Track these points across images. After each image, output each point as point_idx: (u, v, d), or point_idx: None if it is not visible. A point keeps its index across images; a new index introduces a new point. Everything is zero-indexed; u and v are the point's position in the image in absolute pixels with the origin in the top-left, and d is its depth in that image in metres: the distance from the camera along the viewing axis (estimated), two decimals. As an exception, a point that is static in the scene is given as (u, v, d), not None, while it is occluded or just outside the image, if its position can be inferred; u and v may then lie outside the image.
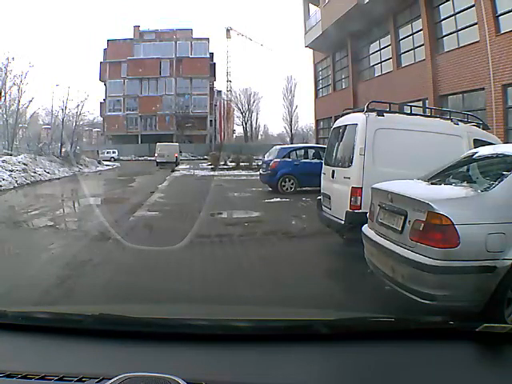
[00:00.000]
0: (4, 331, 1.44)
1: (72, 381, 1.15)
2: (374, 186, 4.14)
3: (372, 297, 3.71)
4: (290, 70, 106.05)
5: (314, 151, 14.14)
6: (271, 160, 13.89)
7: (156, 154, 31.92)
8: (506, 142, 10.39)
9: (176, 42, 56.77)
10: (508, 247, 2.90)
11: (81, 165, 26.32)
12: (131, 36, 57.46)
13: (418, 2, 16.22)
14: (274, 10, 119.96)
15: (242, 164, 27.03)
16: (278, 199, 11.83)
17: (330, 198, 6.27)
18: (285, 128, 61.60)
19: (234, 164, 28.01)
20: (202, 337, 1.37)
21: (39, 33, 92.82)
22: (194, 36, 57.91)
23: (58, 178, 20.45)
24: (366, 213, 4.26)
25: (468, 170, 4.01)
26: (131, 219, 8.79)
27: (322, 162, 7.02)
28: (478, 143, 5.51)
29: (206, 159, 37.07)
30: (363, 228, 4.17)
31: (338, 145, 6.48)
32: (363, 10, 17.84)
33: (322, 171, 6.73)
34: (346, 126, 6.25)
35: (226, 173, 23.57)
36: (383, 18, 18.48)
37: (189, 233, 5.94)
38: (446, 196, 3.31)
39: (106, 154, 41.15)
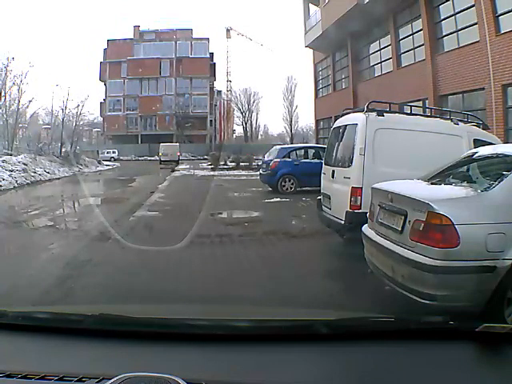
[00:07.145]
0: (4, 331, 1.43)
1: (72, 381, 1.15)
2: (374, 185, 4.14)
3: (372, 297, 3.71)
4: (290, 70, 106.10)
5: (314, 151, 14.14)
6: (271, 160, 13.89)
7: (160, 154, 35.14)
8: (506, 141, 10.38)
9: (176, 42, 56.74)
10: (508, 247, 2.90)
11: (81, 165, 26.33)
12: (131, 36, 57.44)
13: (418, 2, 16.21)
14: (274, 10, 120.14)
15: (241, 164, 27.03)
16: (278, 199, 11.83)
17: (329, 198, 6.27)
18: (285, 128, 61.74)
19: (233, 164, 28.01)
20: (202, 337, 1.36)
21: (39, 33, 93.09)
22: (194, 36, 57.87)
23: (58, 178, 20.45)
24: (366, 213, 4.26)
25: (468, 169, 4.00)
26: (131, 219, 8.79)
27: (322, 161, 7.03)
28: (478, 143, 5.50)
29: (205, 159, 37.22)
30: (363, 228, 4.17)
31: (338, 145, 6.48)
32: (363, 10, 17.84)
33: (322, 171, 6.73)
34: (345, 125, 6.25)
35: (226, 173, 23.56)
36: (383, 18, 18.48)
37: (189, 233, 5.93)
38: (445, 196, 3.31)
39: (105, 154, 41.20)
